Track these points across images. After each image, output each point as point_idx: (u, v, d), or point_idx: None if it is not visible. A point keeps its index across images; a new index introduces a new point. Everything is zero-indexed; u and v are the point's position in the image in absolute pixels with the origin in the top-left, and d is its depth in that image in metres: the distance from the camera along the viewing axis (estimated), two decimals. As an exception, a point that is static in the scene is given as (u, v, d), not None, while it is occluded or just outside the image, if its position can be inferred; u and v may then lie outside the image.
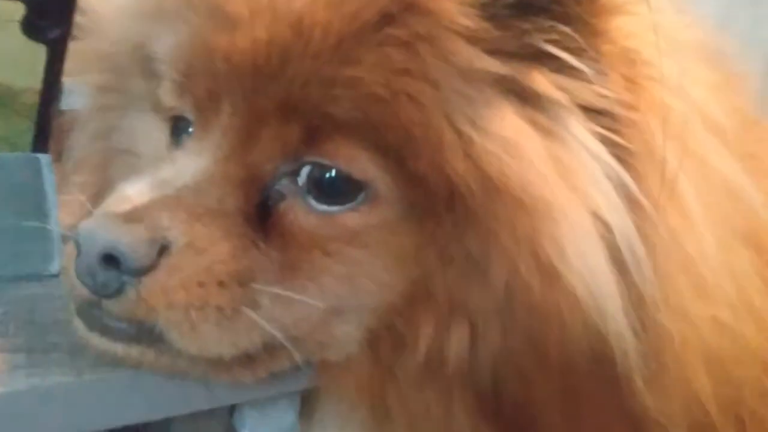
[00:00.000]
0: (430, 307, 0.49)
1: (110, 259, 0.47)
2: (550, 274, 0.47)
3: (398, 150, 0.48)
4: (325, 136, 0.49)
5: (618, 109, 0.50)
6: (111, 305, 0.48)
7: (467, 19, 0.48)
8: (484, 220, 0.47)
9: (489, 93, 0.48)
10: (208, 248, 0.48)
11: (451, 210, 0.48)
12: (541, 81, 0.49)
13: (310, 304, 0.49)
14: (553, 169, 0.48)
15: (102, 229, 0.48)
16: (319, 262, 0.49)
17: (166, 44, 0.54)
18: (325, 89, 0.48)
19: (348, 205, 0.50)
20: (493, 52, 0.49)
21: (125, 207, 0.49)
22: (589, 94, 0.50)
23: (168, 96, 0.56)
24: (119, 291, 0.47)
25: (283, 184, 0.51)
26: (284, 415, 0.63)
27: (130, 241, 0.47)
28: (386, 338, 0.51)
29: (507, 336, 0.48)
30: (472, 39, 0.48)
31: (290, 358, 0.51)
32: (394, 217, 0.49)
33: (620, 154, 0.50)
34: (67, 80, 0.62)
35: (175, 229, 0.48)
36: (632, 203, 0.49)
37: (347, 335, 0.51)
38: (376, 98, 0.47)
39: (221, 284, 0.48)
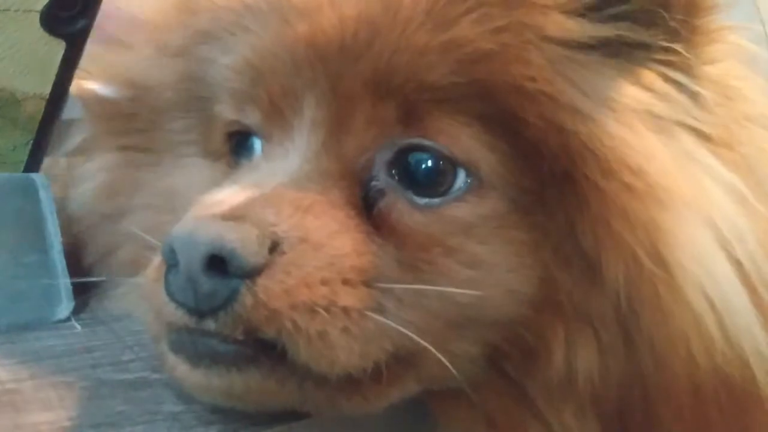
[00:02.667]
0: (558, 314, 0.45)
1: (216, 263, 0.40)
2: (670, 274, 0.43)
3: (506, 116, 0.44)
4: (422, 113, 0.45)
5: (715, 138, 0.47)
6: (219, 322, 0.41)
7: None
8: (596, 206, 0.44)
9: (599, 62, 0.45)
10: (326, 242, 0.42)
11: (560, 195, 0.44)
12: (649, 74, 0.46)
13: (437, 306, 0.44)
14: (669, 158, 0.45)
15: (203, 228, 0.41)
16: (441, 263, 0.44)
17: (225, 60, 0.50)
18: (418, 57, 0.45)
19: (451, 195, 0.45)
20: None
21: (221, 208, 0.43)
22: (690, 111, 0.47)
23: (231, 110, 0.51)
24: (230, 299, 0.41)
25: (380, 180, 0.46)
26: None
27: (238, 238, 0.40)
28: (514, 354, 0.46)
29: (631, 351, 0.44)
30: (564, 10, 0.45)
31: (422, 370, 0.45)
32: (504, 208, 0.45)
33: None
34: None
35: (284, 223, 0.42)
36: (748, 211, 0.46)
37: (466, 354, 0.46)
38: (483, 55, 0.44)
39: (346, 282, 0.42)
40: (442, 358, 0.43)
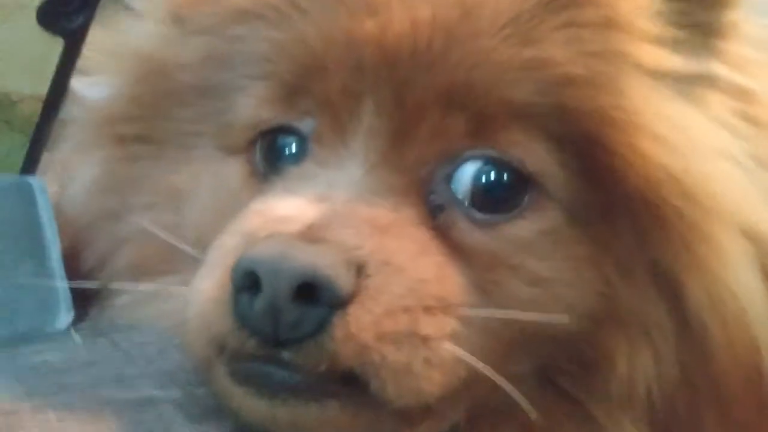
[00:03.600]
0: (619, 326, 0.45)
1: (304, 291, 0.38)
2: (739, 298, 0.44)
3: (585, 139, 0.44)
4: (497, 126, 0.44)
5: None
6: (301, 353, 0.39)
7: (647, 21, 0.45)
8: (678, 230, 0.43)
9: (684, 93, 0.45)
10: (408, 266, 0.41)
11: (632, 213, 0.44)
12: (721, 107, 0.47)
13: (501, 328, 0.43)
14: (747, 191, 0.45)
15: (294, 253, 0.39)
16: (507, 283, 0.44)
17: (275, 34, 0.46)
18: (500, 72, 0.43)
19: (513, 212, 0.44)
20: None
21: (296, 226, 0.40)
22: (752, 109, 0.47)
23: (267, 105, 0.47)
24: (318, 330, 0.38)
25: (439, 194, 0.44)
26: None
27: (331, 264, 0.39)
28: (571, 369, 0.45)
29: (683, 359, 0.45)
30: (656, 40, 0.45)
31: (477, 393, 0.44)
32: (563, 223, 0.45)
33: None
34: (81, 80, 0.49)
35: (367, 245, 0.40)
36: None
37: (520, 372, 0.45)
38: (571, 79, 0.43)
39: (428, 310, 0.40)
40: (504, 383, 0.42)
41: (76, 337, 0.51)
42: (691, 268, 0.43)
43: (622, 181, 0.43)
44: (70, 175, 0.55)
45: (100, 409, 0.44)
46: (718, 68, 0.46)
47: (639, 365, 0.45)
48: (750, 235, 0.44)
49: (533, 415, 0.43)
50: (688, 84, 0.45)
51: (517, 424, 0.46)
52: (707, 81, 0.46)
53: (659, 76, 0.44)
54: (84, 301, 0.54)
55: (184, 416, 0.44)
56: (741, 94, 0.46)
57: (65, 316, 0.52)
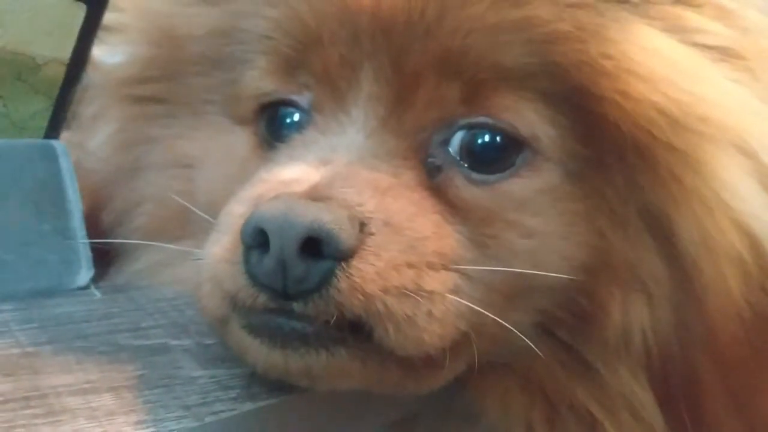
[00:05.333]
0: (613, 277, 0.46)
1: (310, 245, 0.39)
2: (738, 219, 0.44)
3: (575, 92, 0.44)
4: (489, 91, 0.45)
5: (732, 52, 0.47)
6: (310, 305, 0.40)
7: None
8: (667, 165, 0.44)
9: (664, 23, 0.46)
10: (407, 225, 0.42)
11: (623, 161, 0.45)
12: (693, 17, 0.46)
13: (500, 280, 0.44)
14: (736, 103, 0.45)
15: (298, 210, 0.40)
16: (503, 237, 0.45)
17: (271, 12, 0.48)
18: (492, 36, 0.44)
19: (508, 171, 0.45)
20: None
21: (301, 187, 0.42)
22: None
23: (269, 78, 0.49)
24: (323, 283, 0.40)
25: (437, 156, 0.46)
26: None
27: (334, 219, 0.40)
28: (567, 320, 0.46)
29: (678, 305, 0.45)
30: None
31: (477, 346, 0.44)
32: (557, 180, 0.46)
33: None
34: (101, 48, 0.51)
35: (368, 204, 0.41)
36: None
37: (518, 325, 0.45)
38: (559, 35, 0.44)
39: (430, 266, 0.42)
40: (518, 333, 0.43)
41: (96, 293, 0.54)
42: (681, 203, 0.44)
43: (614, 129, 0.44)
44: (90, 133, 0.56)
45: (117, 352, 0.46)
46: None
47: (634, 314, 0.46)
48: (744, 150, 0.45)
49: (539, 356, 0.44)
50: (667, 12, 0.46)
51: (518, 376, 0.48)
52: (685, 5, 0.46)
53: (642, 12, 0.45)
54: (104, 262, 0.56)
55: (195, 361, 0.46)
56: (721, 14, 0.46)
57: (86, 274, 0.54)
